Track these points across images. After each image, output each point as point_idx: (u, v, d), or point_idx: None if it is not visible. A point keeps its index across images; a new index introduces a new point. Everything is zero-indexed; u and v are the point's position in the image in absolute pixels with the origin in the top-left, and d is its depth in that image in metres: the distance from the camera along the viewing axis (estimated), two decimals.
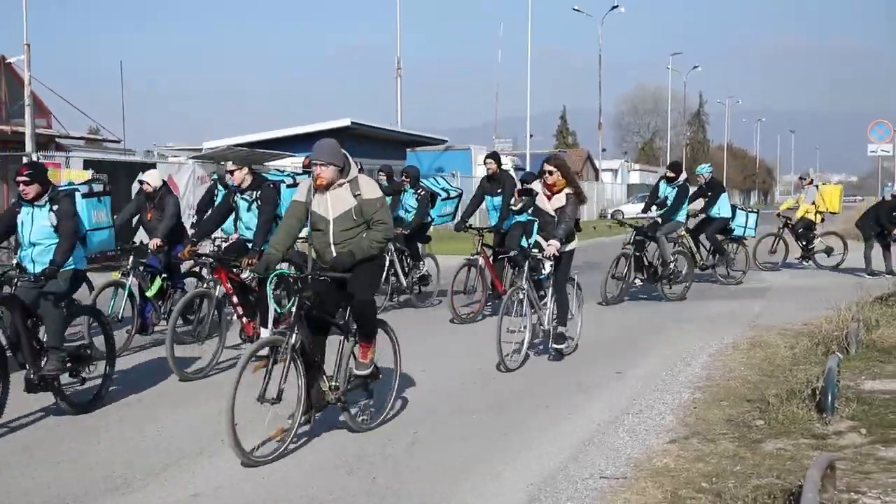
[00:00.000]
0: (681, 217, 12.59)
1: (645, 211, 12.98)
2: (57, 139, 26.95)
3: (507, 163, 43.52)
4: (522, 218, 8.37)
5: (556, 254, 7.88)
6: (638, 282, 12.17)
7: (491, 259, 10.70)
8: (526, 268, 8.02)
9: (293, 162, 22.37)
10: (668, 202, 12.52)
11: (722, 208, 14.00)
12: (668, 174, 12.89)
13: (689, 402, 6.61)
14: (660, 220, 12.25)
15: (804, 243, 16.89)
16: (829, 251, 16.96)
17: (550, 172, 8.16)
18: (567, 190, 8.18)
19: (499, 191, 10.94)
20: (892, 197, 15.30)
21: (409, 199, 11.30)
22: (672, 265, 12.30)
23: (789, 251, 17.11)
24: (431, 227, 11.75)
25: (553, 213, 8.21)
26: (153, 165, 17.75)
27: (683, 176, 12.76)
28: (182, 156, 23.28)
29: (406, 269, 11.23)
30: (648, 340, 9.35)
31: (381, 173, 11.90)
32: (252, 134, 27.40)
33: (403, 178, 11.37)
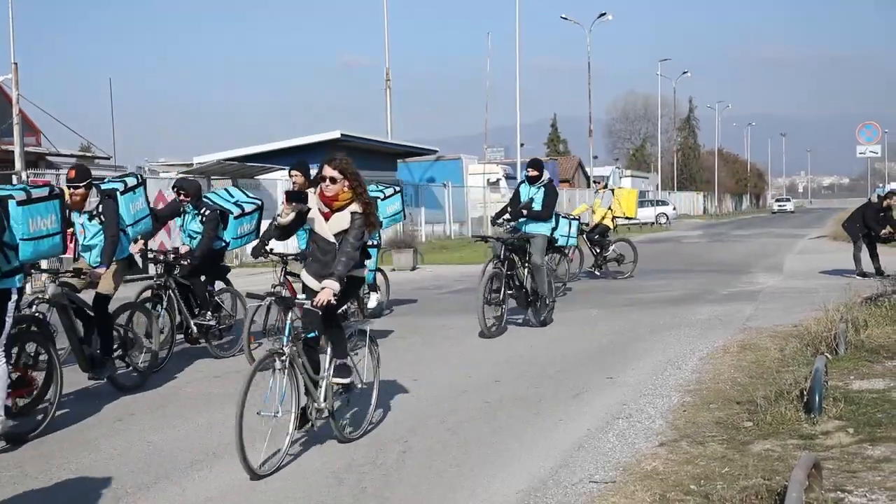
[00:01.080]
0: (551, 225, 10.93)
1: (512, 219, 10.76)
2: (47, 157, 27.01)
3: (498, 171, 43.71)
4: None
5: (333, 301, 5.41)
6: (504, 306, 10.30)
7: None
8: (289, 321, 5.43)
9: (283, 175, 22.43)
10: (535, 205, 10.57)
11: None
12: (530, 172, 10.76)
13: (678, 406, 6.63)
14: (534, 234, 10.49)
15: (598, 250, 16.56)
16: (620, 259, 16.69)
17: (332, 180, 5.51)
18: (353, 207, 5.59)
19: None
20: (879, 198, 15.40)
21: (192, 223, 8.98)
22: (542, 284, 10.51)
23: (584, 259, 16.80)
24: (227, 252, 9.57)
25: (333, 240, 5.64)
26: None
27: (547, 174, 10.92)
28: (173, 171, 23.38)
29: (195, 311, 8.88)
30: (640, 345, 9.38)
31: (173, 189, 9.55)
32: (243, 148, 27.46)
33: (182, 196, 9.00)
